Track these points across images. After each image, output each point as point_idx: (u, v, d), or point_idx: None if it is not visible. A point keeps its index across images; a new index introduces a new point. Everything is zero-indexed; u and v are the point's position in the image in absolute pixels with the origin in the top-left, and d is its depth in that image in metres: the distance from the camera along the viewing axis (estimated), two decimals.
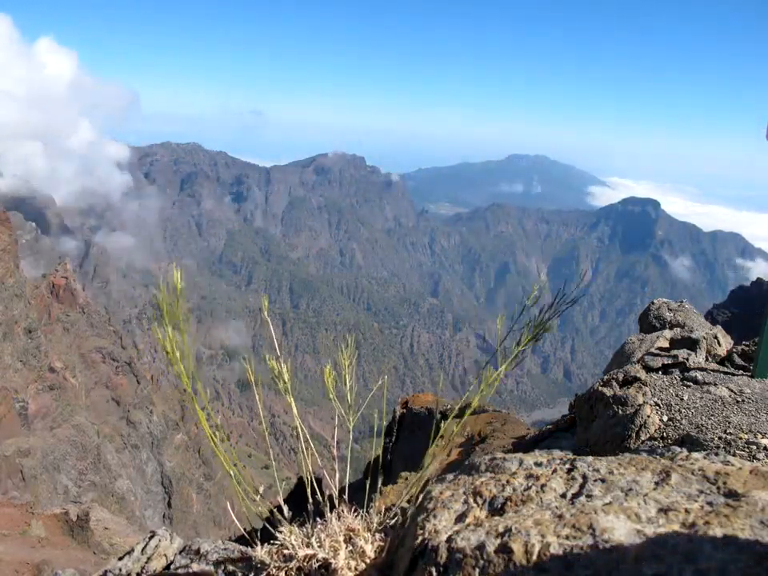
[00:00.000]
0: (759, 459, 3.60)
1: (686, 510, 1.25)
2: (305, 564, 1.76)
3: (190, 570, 2.23)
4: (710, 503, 1.29)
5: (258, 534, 1.95)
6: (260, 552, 1.86)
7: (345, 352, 2.04)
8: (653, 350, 6.29)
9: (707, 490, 1.35)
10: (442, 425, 1.99)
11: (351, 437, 2.06)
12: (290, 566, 1.77)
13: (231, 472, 1.84)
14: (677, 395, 4.86)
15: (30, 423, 54.63)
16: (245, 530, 2.02)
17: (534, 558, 1.19)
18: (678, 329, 7.06)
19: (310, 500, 1.96)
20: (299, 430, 2.06)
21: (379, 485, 2.07)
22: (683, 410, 4.60)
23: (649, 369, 5.56)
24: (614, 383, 5.19)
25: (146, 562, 2.48)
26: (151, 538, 2.60)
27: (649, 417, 4.54)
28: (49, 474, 52.56)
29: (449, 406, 17.88)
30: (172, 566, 2.38)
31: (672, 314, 7.53)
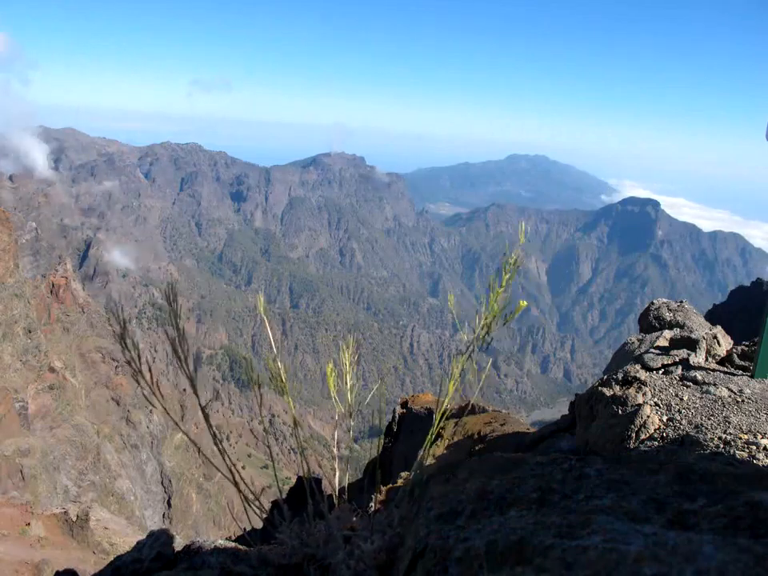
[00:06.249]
0: (759, 459, 3.59)
1: (686, 511, 1.25)
2: (305, 564, 1.76)
3: (190, 570, 2.23)
4: (709, 503, 1.29)
5: (258, 533, 1.95)
6: (260, 552, 1.86)
7: (347, 351, 2.04)
8: (652, 349, 6.28)
9: (707, 490, 1.35)
10: (434, 420, 1.99)
11: (351, 436, 2.06)
12: (290, 566, 1.77)
13: (231, 471, 1.84)
14: (676, 395, 4.86)
15: (30, 423, 54.57)
16: (245, 529, 2.02)
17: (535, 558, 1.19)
18: (678, 329, 7.05)
19: (310, 500, 1.96)
20: (297, 430, 2.06)
21: (379, 485, 2.07)
22: (683, 410, 4.60)
23: (648, 369, 5.56)
24: (614, 383, 5.18)
25: (146, 562, 2.48)
26: (151, 537, 2.60)
27: (648, 417, 4.54)
28: (48, 473, 52.50)
29: (448, 407, 17.84)
30: (172, 566, 2.38)
31: (672, 314, 7.52)
